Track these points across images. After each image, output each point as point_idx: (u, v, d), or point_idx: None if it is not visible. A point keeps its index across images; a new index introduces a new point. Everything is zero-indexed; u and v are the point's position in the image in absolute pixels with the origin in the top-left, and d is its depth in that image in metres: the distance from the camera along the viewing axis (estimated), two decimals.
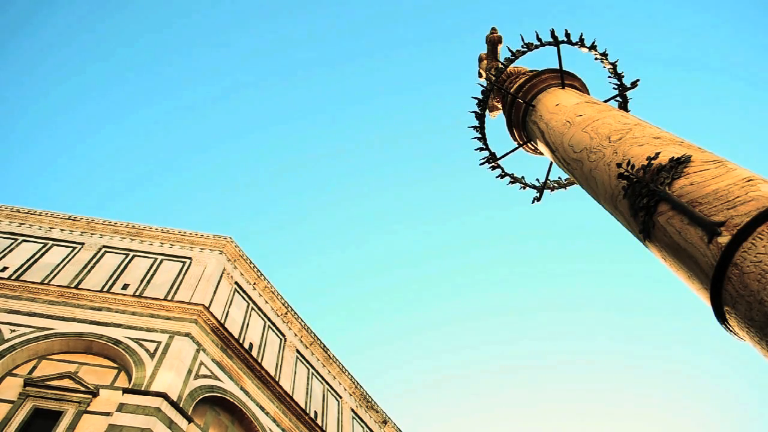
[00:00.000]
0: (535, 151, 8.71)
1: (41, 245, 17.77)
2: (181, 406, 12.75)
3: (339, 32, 51.41)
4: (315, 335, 21.58)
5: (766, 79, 41.94)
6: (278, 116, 52.98)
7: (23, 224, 18.65)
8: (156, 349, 13.95)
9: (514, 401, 50.63)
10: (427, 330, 53.91)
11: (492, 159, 9.49)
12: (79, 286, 15.90)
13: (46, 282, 15.82)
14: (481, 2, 49.80)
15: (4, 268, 16.29)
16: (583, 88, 8.20)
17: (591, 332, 50.15)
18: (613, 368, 48.08)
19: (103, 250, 18.18)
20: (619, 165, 5.44)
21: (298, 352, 20.26)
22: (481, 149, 9.51)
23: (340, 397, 21.51)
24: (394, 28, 52.42)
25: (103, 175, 51.35)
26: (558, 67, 8.24)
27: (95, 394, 12.74)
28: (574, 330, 50.59)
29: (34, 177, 48.63)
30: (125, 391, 12.42)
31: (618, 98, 8.61)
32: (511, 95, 8.62)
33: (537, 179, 9.53)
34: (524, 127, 8.48)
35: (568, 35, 8.57)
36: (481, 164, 9.54)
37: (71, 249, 17.87)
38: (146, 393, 12.40)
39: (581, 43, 8.63)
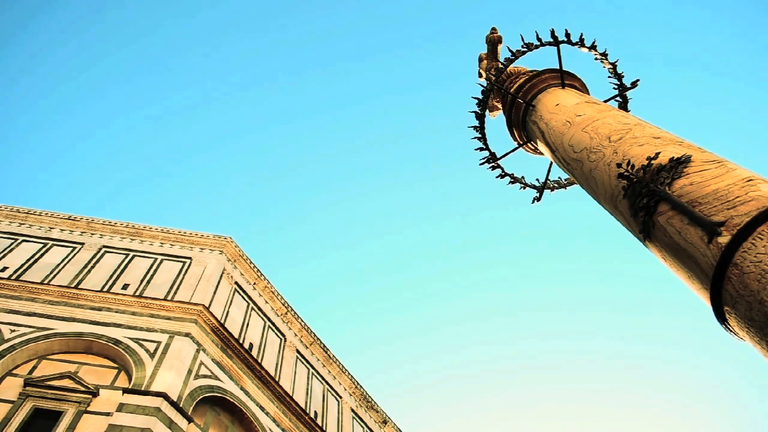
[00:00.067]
0: (535, 151, 8.71)
1: (41, 245, 17.77)
2: (181, 406, 12.75)
3: (339, 32, 51.44)
4: (315, 335, 21.58)
5: (766, 79, 41.96)
6: (278, 116, 53.01)
7: (23, 224, 18.66)
8: (156, 349, 13.95)
9: (514, 401, 50.68)
10: (427, 330, 53.96)
11: (492, 159, 9.49)
12: (79, 286, 15.90)
13: (46, 282, 15.83)
14: (481, 2, 49.83)
15: (4, 268, 16.29)
16: (583, 88, 8.20)
17: (591, 332, 50.19)
18: (613, 368, 48.11)
19: (103, 250, 18.18)
20: (619, 165, 5.44)
21: (298, 352, 20.26)
22: (481, 149, 9.51)
23: (340, 397, 21.51)
24: (394, 28, 52.46)
25: (103, 175, 51.39)
26: (558, 67, 8.24)
27: (95, 394, 12.75)
28: (574, 330, 50.63)
29: (34, 177, 48.67)
30: (125, 391, 12.43)
31: (618, 98, 8.61)
32: (511, 95, 8.62)
33: (537, 179, 9.53)
34: (524, 127, 8.48)
35: (568, 35, 8.57)
36: (481, 164, 9.54)
37: (71, 249, 17.88)
38: (146, 393, 12.40)
39: (581, 43, 8.63)
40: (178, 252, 18.67)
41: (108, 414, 12.20)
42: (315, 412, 19.09)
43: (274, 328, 19.59)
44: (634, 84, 8.44)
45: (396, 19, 51.55)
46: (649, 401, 46.86)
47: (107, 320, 14.70)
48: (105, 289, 16.12)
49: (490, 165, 9.50)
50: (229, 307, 17.65)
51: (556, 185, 9.42)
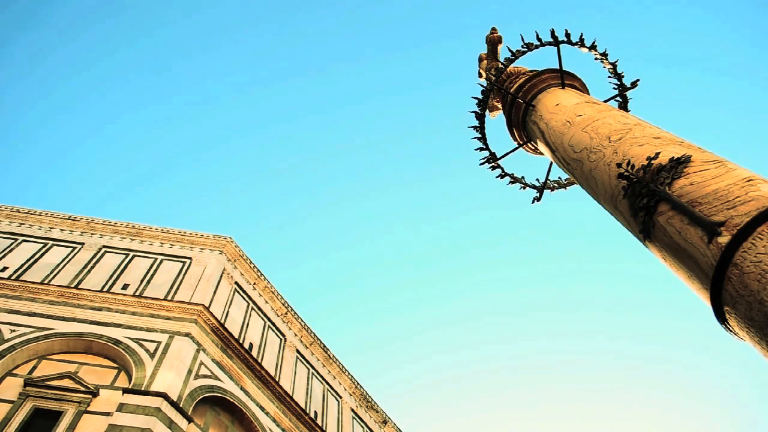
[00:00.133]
0: (535, 151, 8.71)
1: (41, 245, 17.77)
2: (181, 406, 12.75)
3: (339, 32, 51.45)
4: (315, 335, 21.58)
5: (766, 79, 41.95)
6: (278, 116, 53.02)
7: (23, 224, 18.66)
8: (156, 349, 13.96)
9: (514, 401, 50.67)
10: (427, 330, 53.96)
11: (492, 159, 9.49)
12: (79, 286, 15.90)
13: (46, 282, 15.83)
14: (481, 2, 49.83)
15: (4, 268, 16.29)
16: (583, 88, 8.20)
17: (591, 332, 50.19)
18: (614, 368, 48.12)
19: (103, 250, 18.18)
20: (619, 165, 5.44)
21: (298, 352, 20.26)
22: (481, 149, 9.51)
23: (340, 397, 21.51)
24: (394, 28, 52.46)
25: (103, 175, 51.39)
26: (558, 67, 8.24)
27: (95, 394, 12.74)
28: (574, 330, 50.62)
29: (34, 177, 48.67)
30: (125, 391, 12.43)
31: (618, 98, 8.61)
32: (511, 95, 8.62)
33: (537, 179, 9.53)
34: (524, 127, 8.48)
35: (568, 35, 8.57)
36: (481, 164, 9.54)
37: (71, 249, 17.88)
38: (146, 393, 12.40)
39: (581, 43, 8.63)
40: (178, 252, 18.67)
41: (108, 414, 12.20)
42: (315, 412, 19.10)
43: (274, 328, 19.60)
44: (634, 84, 8.44)
45: (396, 19, 51.58)
46: (649, 401, 46.89)
47: (107, 320, 14.70)
48: (105, 289, 16.12)
49: (490, 165, 9.50)
50: (229, 307, 17.65)
51: (556, 185, 9.43)
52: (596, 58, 8.71)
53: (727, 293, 3.71)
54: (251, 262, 20.05)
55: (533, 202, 9.45)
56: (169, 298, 16.06)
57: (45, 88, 45.75)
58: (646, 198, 4.82)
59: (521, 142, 8.86)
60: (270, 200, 53.84)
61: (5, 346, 13.13)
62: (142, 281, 16.87)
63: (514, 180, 9.54)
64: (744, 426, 41.06)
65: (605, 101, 8.16)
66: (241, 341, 16.68)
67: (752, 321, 3.48)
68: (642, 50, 42.89)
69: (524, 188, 9.57)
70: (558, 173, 11.31)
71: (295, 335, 20.76)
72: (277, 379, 17.20)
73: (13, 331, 13.67)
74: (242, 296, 18.85)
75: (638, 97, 15.17)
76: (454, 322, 53.71)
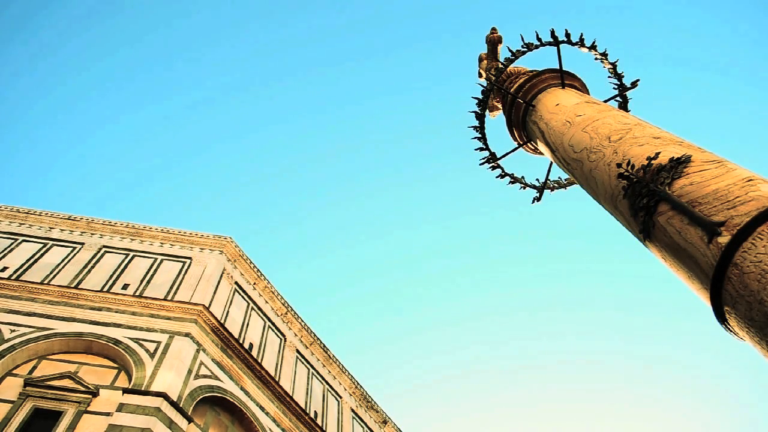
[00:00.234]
0: (535, 151, 8.71)
1: (41, 245, 17.77)
2: (181, 406, 12.75)
3: (339, 32, 51.44)
4: (315, 335, 21.58)
5: (766, 79, 41.96)
6: (278, 116, 53.01)
7: (23, 224, 18.66)
8: (156, 349, 13.95)
9: (514, 401, 50.66)
10: (427, 330, 53.95)
11: (492, 159, 9.49)
12: (79, 286, 15.90)
13: (46, 282, 15.83)
14: (481, 2, 49.84)
15: (4, 268, 16.29)
16: (583, 88, 8.20)
17: (591, 332, 50.19)
18: (614, 368, 48.11)
19: (103, 250, 18.18)
20: (619, 165, 5.44)
21: (298, 352, 20.26)
22: (481, 149, 9.51)
23: (340, 397, 21.51)
24: (394, 28, 52.46)
25: (103, 175, 51.39)
26: (558, 67, 8.24)
27: (95, 394, 12.74)
28: (574, 330, 50.61)
29: (34, 177, 48.67)
30: (125, 391, 12.42)
31: (618, 98, 8.61)
32: (511, 95, 8.62)
33: (537, 179, 9.53)
34: (524, 127, 8.48)
35: (568, 35, 8.57)
36: (481, 164, 9.54)
37: (71, 249, 17.88)
38: (146, 393, 12.40)
39: (581, 43, 8.63)
40: (178, 252, 18.67)
41: (108, 414, 12.20)
42: (315, 412, 19.09)
43: (274, 328, 19.59)
44: (634, 84, 8.44)
45: (396, 19, 51.58)
46: (649, 401, 46.89)
47: (107, 320, 14.70)
48: (105, 289, 16.12)
49: (490, 165, 9.50)
50: (229, 307, 17.65)
51: (556, 185, 9.43)
52: (596, 58, 8.71)
53: (727, 293, 3.71)
54: (251, 262, 20.05)
55: (533, 202, 9.45)
56: (169, 298, 16.06)
57: (45, 88, 45.78)
58: (646, 198, 4.82)
59: (521, 142, 8.86)
60: (270, 200, 53.87)
61: (5, 346, 13.13)
62: (142, 281, 16.87)
63: (514, 180, 9.54)
64: (744, 426, 41.07)
65: (605, 101, 8.16)
66: (241, 341, 16.68)
67: (752, 321, 3.48)
68: (642, 50, 42.92)
69: (524, 188, 9.57)
70: (558, 173, 11.32)
71: (295, 335, 20.76)
72: (277, 379, 17.20)
73: (13, 331, 13.67)
74: (242, 296, 18.85)
75: (638, 97, 15.18)
76: (454, 322, 53.76)
